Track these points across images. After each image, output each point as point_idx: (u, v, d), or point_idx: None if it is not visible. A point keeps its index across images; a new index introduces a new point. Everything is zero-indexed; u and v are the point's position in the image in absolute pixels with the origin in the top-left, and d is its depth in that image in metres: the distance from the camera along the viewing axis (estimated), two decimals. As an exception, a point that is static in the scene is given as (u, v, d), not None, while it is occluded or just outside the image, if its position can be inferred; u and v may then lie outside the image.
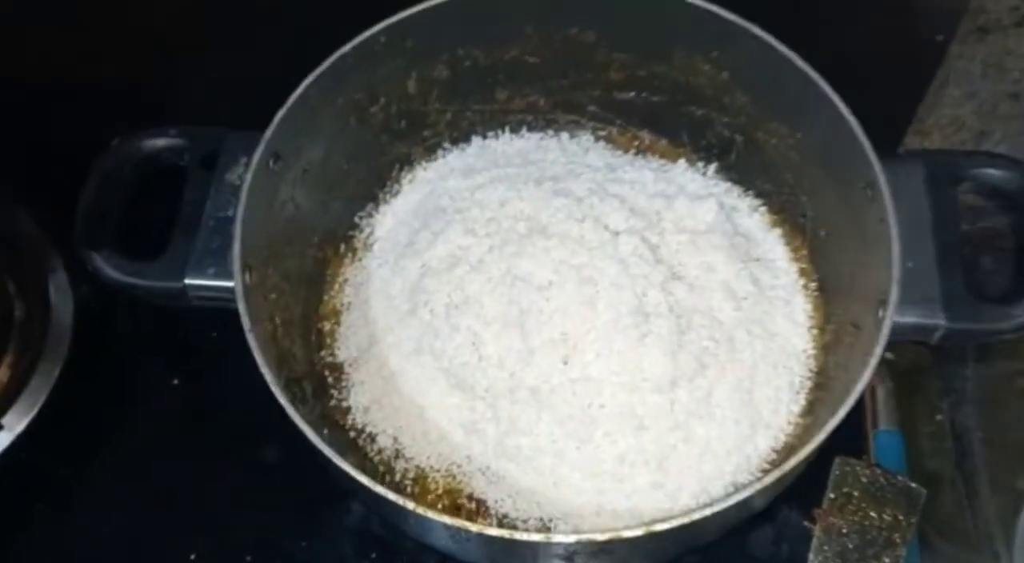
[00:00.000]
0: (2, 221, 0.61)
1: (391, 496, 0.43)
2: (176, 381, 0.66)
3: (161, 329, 0.67)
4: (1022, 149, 0.73)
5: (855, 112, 0.50)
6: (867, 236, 0.48)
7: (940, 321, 0.46)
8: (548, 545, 0.40)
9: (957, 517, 0.69)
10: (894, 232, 0.45)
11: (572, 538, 0.39)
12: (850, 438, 0.63)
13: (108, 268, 0.49)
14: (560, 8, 0.56)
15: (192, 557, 0.59)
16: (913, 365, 0.72)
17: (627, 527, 0.40)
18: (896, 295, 0.44)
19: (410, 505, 0.42)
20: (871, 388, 0.66)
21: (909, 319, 0.45)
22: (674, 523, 0.39)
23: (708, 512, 0.40)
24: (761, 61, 0.52)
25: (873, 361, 0.43)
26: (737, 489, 0.45)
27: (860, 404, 0.64)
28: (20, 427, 0.64)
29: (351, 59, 0.53)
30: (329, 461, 0.44)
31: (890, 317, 0.43)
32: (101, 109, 0.56)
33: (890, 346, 0.72)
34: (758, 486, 0.41)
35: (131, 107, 0.55)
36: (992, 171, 0.49)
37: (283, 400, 0.44)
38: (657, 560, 0.55)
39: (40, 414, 0.65)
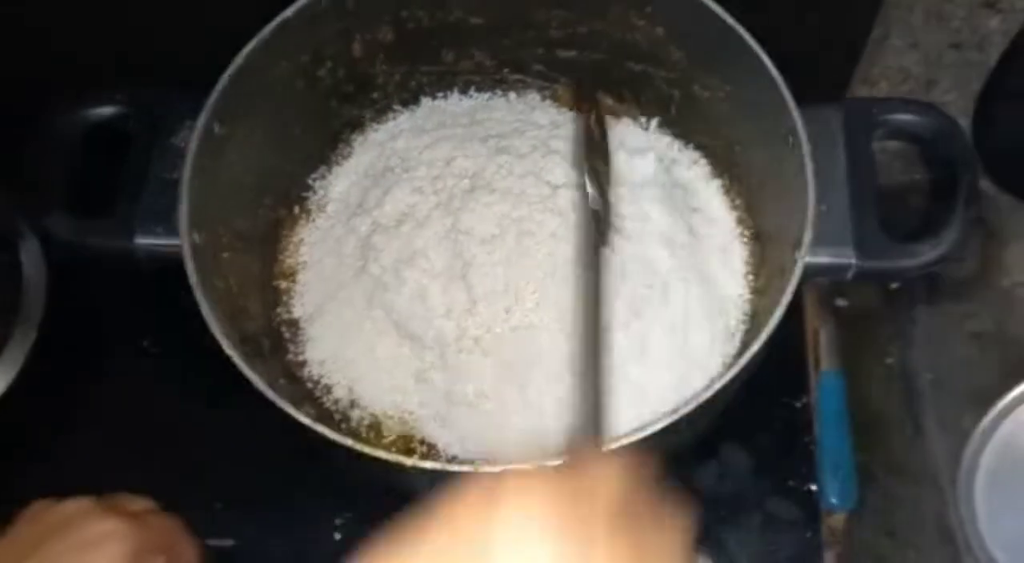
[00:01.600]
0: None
1: (345, 440, 0.45)
2: (146, 342, 0.69)
3: (131, 291, 0.69)
4: (970, 97, 0.74)
5: (793, 65, 0.52)
6: (790, 183, 0.50)
7: (851, 260, 0.48)
8: (477, 475, 0.42)
9: (905, 455, 0.71)
10: (810, 177, 0.47)
11: (498, 468, 0.41)
12: (795, 379, 0.66)
13: (59, 231, 0.51)
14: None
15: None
16: (864, 309, 0.75)
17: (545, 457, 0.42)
18: (809, 237, 0.46)
19: (359, 446, 0.45)
20: (815, 331, 0.68)
21: (822, 259, 0.48)
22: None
23: (625, 442, 0.42)
24: (691, 16, 0.54)
25: (785, 298, 0.45)
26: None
27: (803, 346, 0.67)
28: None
29: (294, 22, 0.54)
30: (285, 413, 0.46)
31: (803, 258, 0.46)
32: (50, 72, 0.58)
33: (841, 291, 0.75)
34: (666, 422, 0.44)
35: (78, 68, 0.57)
36: (906, 116, 0.51)
37: (234, 355, 0.47)
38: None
39: (18, 378, 0.67)
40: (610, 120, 0.63)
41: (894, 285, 0.75)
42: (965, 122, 0.75)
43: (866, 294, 0.75)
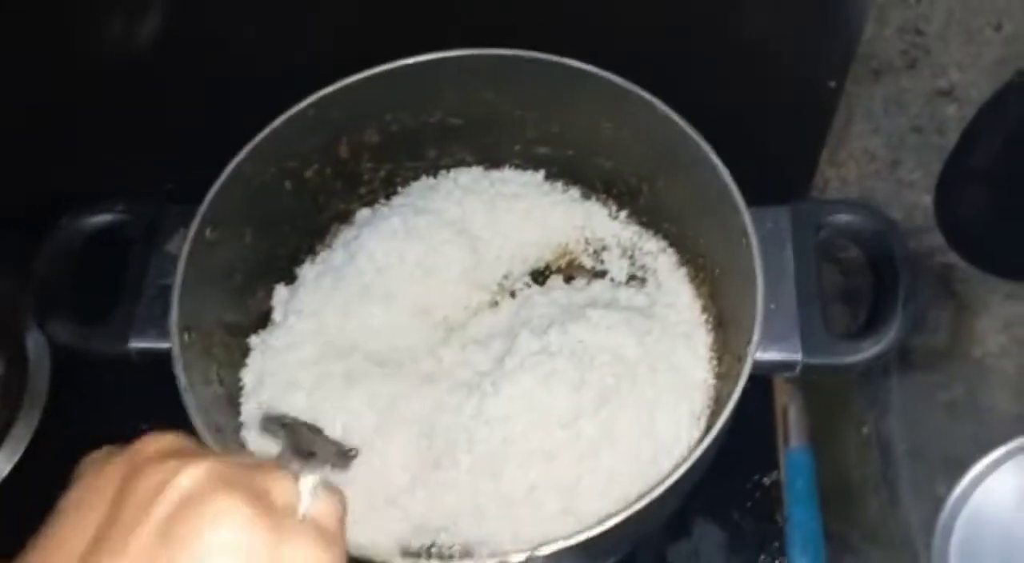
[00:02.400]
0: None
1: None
2: (145, 426, 0.72)
3: (133, 379, 0.72)
4: (933, 176, 0.77)
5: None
6: (744, 278, 0.53)
7: (797, 357, 0.51)
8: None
9: (881, 523, 0.73)
10: (759, 278, 0.50)
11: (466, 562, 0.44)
12: (763, 456, 0.68)
13: (59, 335, 0.55)
14: (475, 76, 0.61)
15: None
16: (840, 380, 0.77)
17: (515, 551, 0.45)
18: (758, 336, 0.49)
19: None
20: (783, 408, 0.70)
21: (771, 355, 0.51)
22: (552, 547, 0.44)
23: (583, 537, 0.45)
24: (653, 122, 0.57)
25: (737, 390, 0.48)
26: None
27: (772, 424, 0.70)
28: (2, 474, 0.70)
29: (282, 132, 0.58)
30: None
31: (751, 355, 0.48)
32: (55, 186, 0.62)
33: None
34: (634, 509, 0.46)
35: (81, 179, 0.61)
36: (848, 217, 0.54)
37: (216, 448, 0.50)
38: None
39: (20, 463, 0.71)
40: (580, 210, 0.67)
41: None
42: (929, 199, 0.78)
43: (841, 365, 0.78)
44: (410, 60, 0.59)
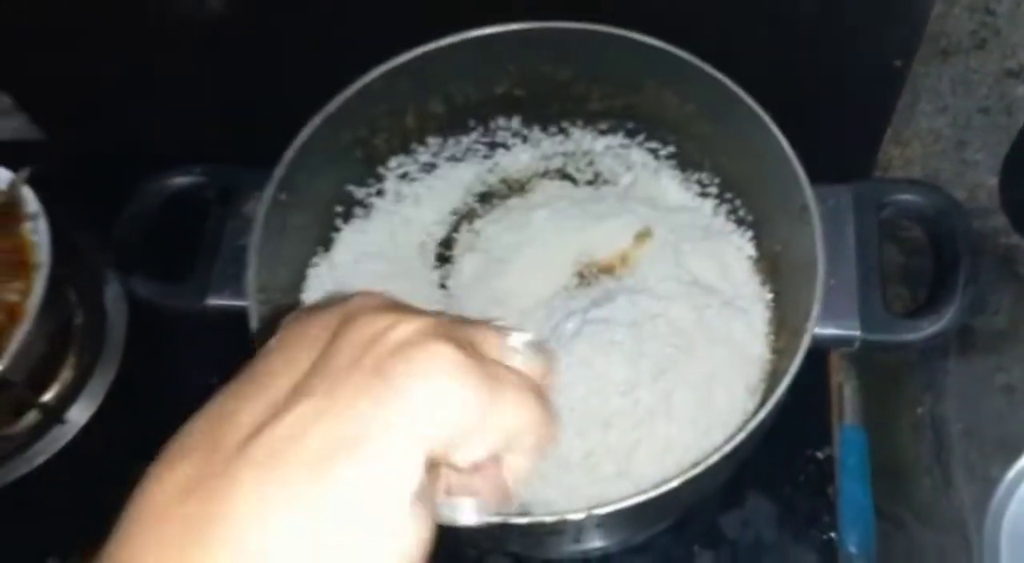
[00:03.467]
0: (64, 241, 0.70)
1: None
2: (216, 380, 0.75)
3: (204, 332, 0.75)
4: (1000, 157, 0.77)
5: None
6: (804, 255, 0.53)
7: (856, 333, 0.51)
8: (507, 527, 0.47)
9: (933, 503, 0.73)
10: (820, 253, 0.50)
11: (524, 520, 0.46)
12: (817, 432, 0.69)
13: (141, 291, 0.57)
14: (540, 48, 0.62)
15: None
16: (897, 360, 0.77)
17: (572, 511, 0.46)
18: (817, 311, 0.49)
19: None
20: (839, 386, 0.71)
21: (829, 331, 0.51)
22: (608, 508, 0.46)
23: (639, 500, 0.46)
24: (717, 96, 0.58)
25: (794, 367, 0.49)
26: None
27: (827, 401, 0.70)
28: (82, 421, 0.74)
29: (352, 101, 0.59)
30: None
31: (810, 330, 0.49)
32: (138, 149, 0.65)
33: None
34: (687, 476, 0.47)
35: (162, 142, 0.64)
36: (910, 196, 0.54)
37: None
38: (627, 537, 0.61)
39: (100, 409, 0.74)
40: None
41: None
42: (994, 180, 0.77)
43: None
44: (477, 32, 0.60)
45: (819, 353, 0.69)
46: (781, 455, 0.66)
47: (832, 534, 0.65)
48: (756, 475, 0.65)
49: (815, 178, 0.54)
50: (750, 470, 0.60)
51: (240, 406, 0.31)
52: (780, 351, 0.60)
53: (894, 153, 0.78)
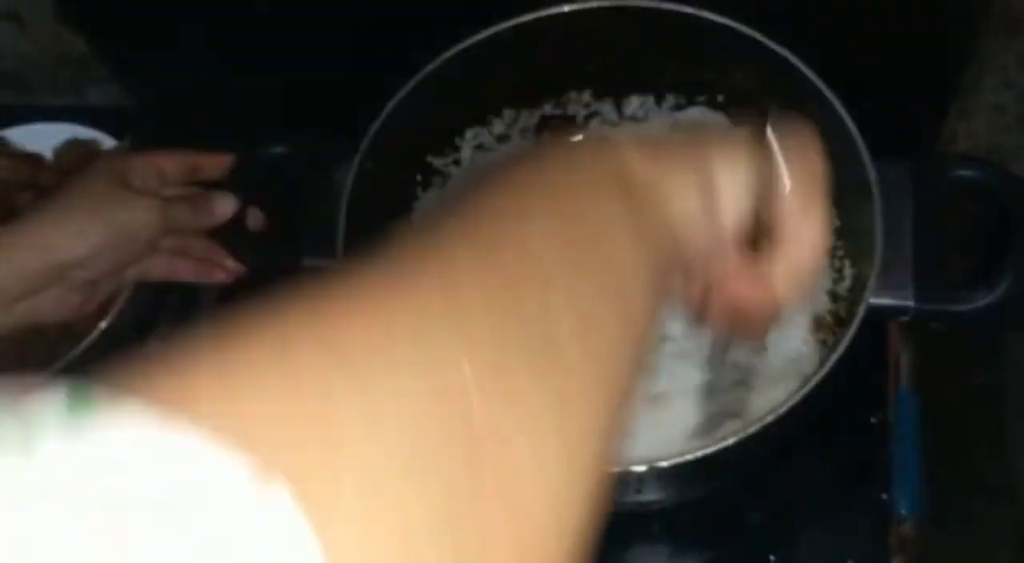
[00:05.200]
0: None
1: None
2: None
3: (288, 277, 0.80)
4: (1064, 133, 0.77)
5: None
6: (864, 226, 0.55)
7: (910, 304, 0.54)
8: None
9: (986, 471, 0.75)
10: (879, 227, 0.53)
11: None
12: (874, 397, 0.71)
13: (242, 254, 0.62)
14: (616, 25, 0.64)
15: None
16: (957, 332, 0.79)
17: (634, 463, 0.50)
18: (874, 281, 0.52)
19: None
20: (896, 353, 0.73)
21: (885, 301, 0.53)
22: (668, 462, 0.49)
23: (699, 454, 0.49)
24: (781, 72, 0.60)
25: (851, 332, 0.51)
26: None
27: (885, 367, 0.72)
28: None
29: (434, 75, 0.63)
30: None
31: (866, 299, 0.52)
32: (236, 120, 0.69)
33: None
34: (748, 432, 0.50)
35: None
36: (968, 172, 0.56)
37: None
38: (685, 492, 0.65)
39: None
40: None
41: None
42: (1058, 157, 0.78)
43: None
44: (555, 10, 0.62)
45: (878, 322, 0.72)
46: (837, 418, 0.69)
47: (883, 496, 0.67)
48: (812, 436, 0.68)
49: (878, 151, 0.56)
50: (807, 431, 0.62)
51: None
52: (839, 317, 0.62)
53: (959, 127, 0.80)
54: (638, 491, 0.56)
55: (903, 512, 0.67)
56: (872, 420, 0.70)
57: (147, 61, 0.84)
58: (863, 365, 0.70)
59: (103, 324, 0.68)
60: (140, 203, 0.58)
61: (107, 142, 0.78)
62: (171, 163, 0.63)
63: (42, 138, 0.79)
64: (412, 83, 0.61)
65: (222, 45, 0.76)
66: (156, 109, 0.88)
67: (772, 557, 0.65)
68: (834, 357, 0.52)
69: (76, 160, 0.76)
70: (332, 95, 0.70)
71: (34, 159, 0.77)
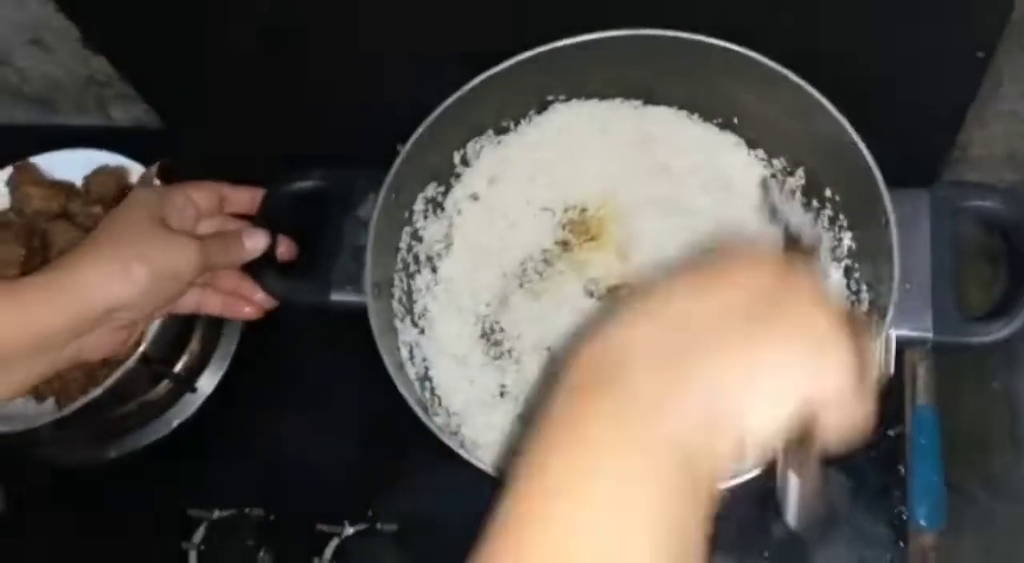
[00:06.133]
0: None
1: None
2: (330, 354, 0.82)
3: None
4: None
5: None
6: (880, 258, 0.56)
7: (928, 335, 0.55)
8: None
9: (1006, 478, 0.76)
10: (896, 260, 0.54)
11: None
12: (891, 410, 0.72)
13: (273, 287, 0.64)
14: (625, 54, 0.65)
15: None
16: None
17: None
18: (892, 314, 0.53)
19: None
20: (913, 367, 0.74)
21: (903, 332, 0.54)
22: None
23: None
24: (799, 102, 0.60)
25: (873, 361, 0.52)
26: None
27: (902, 381, 0.73)
28: (210, 388, 0.82)
29: (452, 109, 0.64)
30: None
31: (885, 331, 0.53)
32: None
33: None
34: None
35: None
36: (987, 203, 0.57)
37: (411, 403, 0.58)
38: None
39: (225, 377, 0.82)
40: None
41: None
42: (1078, 164, 0.78)
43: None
44: (568, 41, 0.63)
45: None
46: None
47: (902, 508, 0.69)
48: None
49: (893, 174, 0.56)
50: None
51: None
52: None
53: (975, 134, 0.80)
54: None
55: (923, 523, 0.69)
56: (890, 433, 0.71)
57: (173, 83, 0.86)
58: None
59: (140, 349, 0.70)
60: (182, 244, 0.59)
61: (136, 169, 0.79)
62: (204, 196, 0.64)
63: (71, 165, 0.80)
64: (432, 117, 0.63)
65: (245, 70, 0.78)
66: (183, 133, 0.90)
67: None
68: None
69: (106, 188, 0.77)
70: (355, 127, 0.71)
71: (65, 188, 0.78)
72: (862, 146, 0.57)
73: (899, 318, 0.53)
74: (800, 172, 0.67)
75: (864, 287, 0.62)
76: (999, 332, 0.53)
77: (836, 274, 0.64)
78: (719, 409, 0.35)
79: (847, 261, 0.64)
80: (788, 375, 0.36)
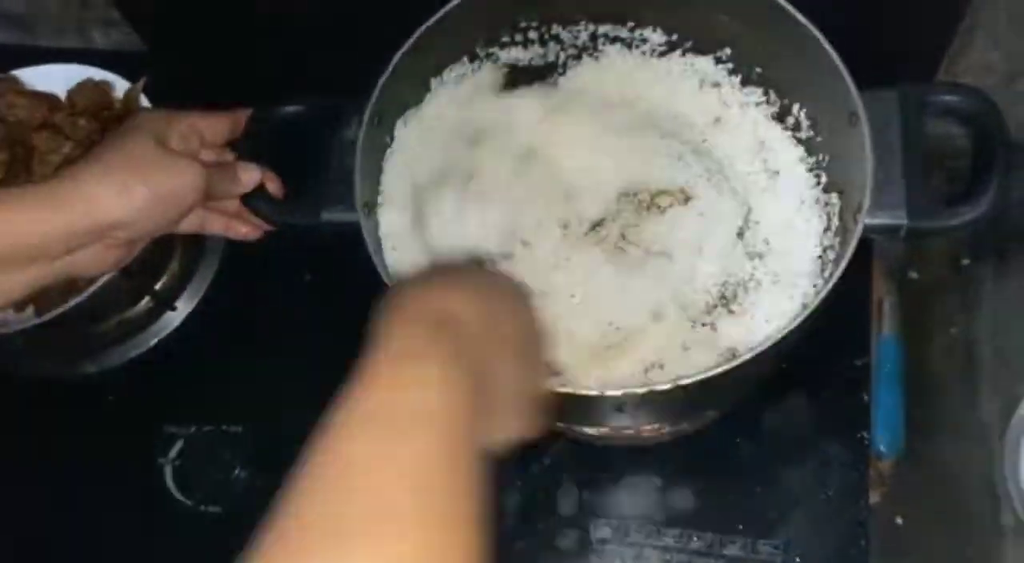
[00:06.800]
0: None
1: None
2: (308, 277, 0.83)
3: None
4: (1053, 93, 0.80)
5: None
6: (853, 155, 0.58)
7: (903, 221, 0.56)
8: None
9: (961, 416, 0.78)
10: (869, 152, 0.55)
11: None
12: (858, 341, 0.75)
13: (263, 209, 0.64)
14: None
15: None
16: (934, 282, 0.82)
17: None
18: (868, 202, 0.55)
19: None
20: (879, 300, 0.77)
21: (879, 220, 0.56)
22: (665, 386, 0.51)
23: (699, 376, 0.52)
24: (768, 15, 0.61)
25: (848, 253, 0.54)
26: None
27: (868, 313, 0.76)
28: (189, 308, 0.82)
29: (434, 30, 0.63)
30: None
31: (862, 220, 0.55)
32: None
33: (914, 265, 0.83)
34: (729, 366, 0.52)
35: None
36: (951, 97, 0.59)
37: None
38: (679, 425, 0.69)
39: (204, 298, 0.83)
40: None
41: (965, 261, 0.82)
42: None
43: (938, 268, 0.82)
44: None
45: (864, 268, 0.75)
46: (823, 361, 0.72)
47: (864, 433, 0.71)
48: (799, 377, 0.72)
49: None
50: (794, 372, 0.67)
51: None
52: (833, 249, 0.63)
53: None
54: (623, 412, 0.57)
55: (882, 450, 0.72)
56: (856, 363, 0.74)
57: (154, 5, 0.85)
58: (849, 311, 0.74)
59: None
60: (185, 168, 0.59)
61: (120, 84, 0.79)
62: (210, 124, 0.64)
63: (53, 79, 0.80)
64: (412, 38, 0.62)
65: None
66: (165, 55, 0.89)
67: (758, 489, 0.70)
68: (837, 272, 0.54)
69: (91, 101, 0.77)
70: (336, 54, 0.71)
71: (49, 99, 0.78)
72: (829, 48, 0.58)
73: (874, 207, 0.55)
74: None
75: (838, 189, 0.63)
76: (968, 214, 0.55)
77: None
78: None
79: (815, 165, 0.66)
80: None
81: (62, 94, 0.79)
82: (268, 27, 0.80)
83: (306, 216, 0.62)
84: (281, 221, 0.64)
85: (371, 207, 0.62)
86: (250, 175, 0.63)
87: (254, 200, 0.64)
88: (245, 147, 0.65)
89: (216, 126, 0.64)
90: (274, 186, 0.64)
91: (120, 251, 0.60)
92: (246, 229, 0.67)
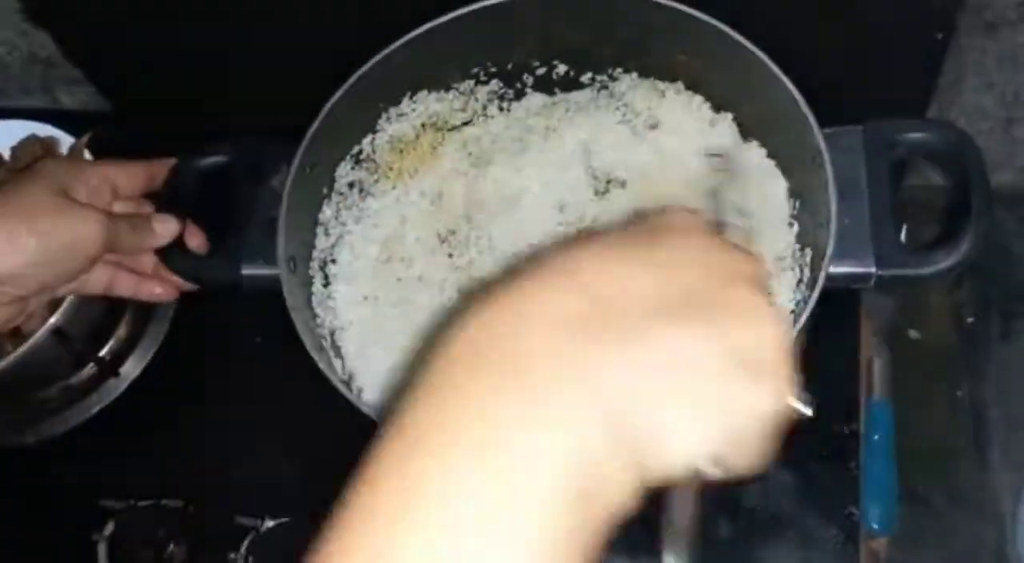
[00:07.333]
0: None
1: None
2: (259, 339, 0.78)
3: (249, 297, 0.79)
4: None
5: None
6: (818, 196, 0.53)
7: (871, 269, 0.52)
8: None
9: (967, 487, 0.73)
10: (832, 195, 0.51)
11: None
12: (845, 406, 0.68)
13: (177, 265, 0.60)
14: (558, 16, 0.62)
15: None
16: (938, 342, 0.77)
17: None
18: (832, 249, 0.50)
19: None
20: (868, 360, 0.71)
21: (845, 269, 0.52)
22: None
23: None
24: (727, 54, 0.58)
25: (810, 305, 0.49)
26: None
27: (856, 375, 0.70)
28: (134, 374, 0.78)
29: (371, 75, 0.60)
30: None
31: (825, 268, 0.50)
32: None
33: (915, 324, 0.77)
34: None
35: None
36: (921, 135, 0.55)
37: (322, 365, 0.55)
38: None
39: (151, 364, 0.79)
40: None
41: (970, 319, 0.76)
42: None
43: (941, 327, 0.77)
44: (490, 1, 0.60)
45: (852, 325, 0.69)
46: (805, 428, 0.66)
47: (853, 509, 0.65)
48: (779, 447, 0.65)
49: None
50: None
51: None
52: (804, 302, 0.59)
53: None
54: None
55: (874, 527, 0.65)
56: (844, 430, 0.67)
57: (113, 63, 0.83)
58: (834, 373, 0.68)
59: (51, 321, 0.67)
60: (83, 217, 0.56)
61: (66, 141, 0.77)
62: (125, 176, 0.61)
63: (3, 136, 0.78)
64: (348, 84, 0.59)
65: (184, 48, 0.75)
66: (129, 113, 0.87)
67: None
68: (799, 324, 0.50)
69: (34, 157, 0.75)
70: (267, 100, 0.68)
71: (-9, 156, 0.76)
72: (789, 85, 0.54)
73: (840, 254, 0.50)
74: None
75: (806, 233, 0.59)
76: (943, 262, 0.51)
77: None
78: (624, 424, 0.29)
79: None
80: (720, 401, 0.30)
81: (5, 151, 0.77)
82: (235, 86, 0.78)
83: (225, 272, 0.58)
84: (197, 277, 0.60)
85: (296, 262, 0.58)
86: (166, 226, 0.59)
87: (170, 254, 0.60)
88: (165, 198, 0.61)
89: (132, 177, 0.60)
90: (196, 241, 0.60)
91: (13, 307, 0.56)
92: (160, 289, 0.62)
